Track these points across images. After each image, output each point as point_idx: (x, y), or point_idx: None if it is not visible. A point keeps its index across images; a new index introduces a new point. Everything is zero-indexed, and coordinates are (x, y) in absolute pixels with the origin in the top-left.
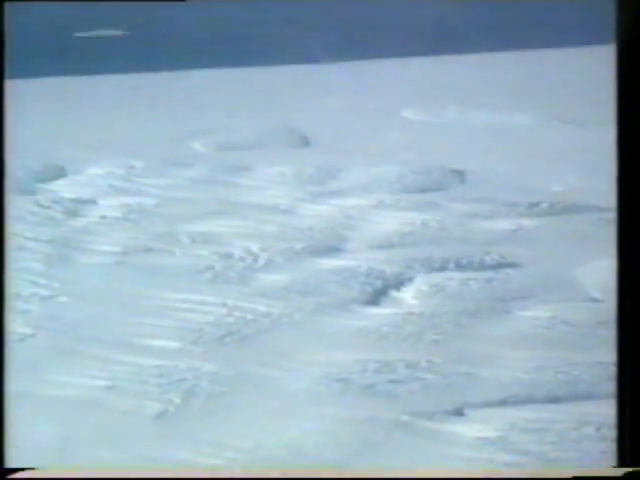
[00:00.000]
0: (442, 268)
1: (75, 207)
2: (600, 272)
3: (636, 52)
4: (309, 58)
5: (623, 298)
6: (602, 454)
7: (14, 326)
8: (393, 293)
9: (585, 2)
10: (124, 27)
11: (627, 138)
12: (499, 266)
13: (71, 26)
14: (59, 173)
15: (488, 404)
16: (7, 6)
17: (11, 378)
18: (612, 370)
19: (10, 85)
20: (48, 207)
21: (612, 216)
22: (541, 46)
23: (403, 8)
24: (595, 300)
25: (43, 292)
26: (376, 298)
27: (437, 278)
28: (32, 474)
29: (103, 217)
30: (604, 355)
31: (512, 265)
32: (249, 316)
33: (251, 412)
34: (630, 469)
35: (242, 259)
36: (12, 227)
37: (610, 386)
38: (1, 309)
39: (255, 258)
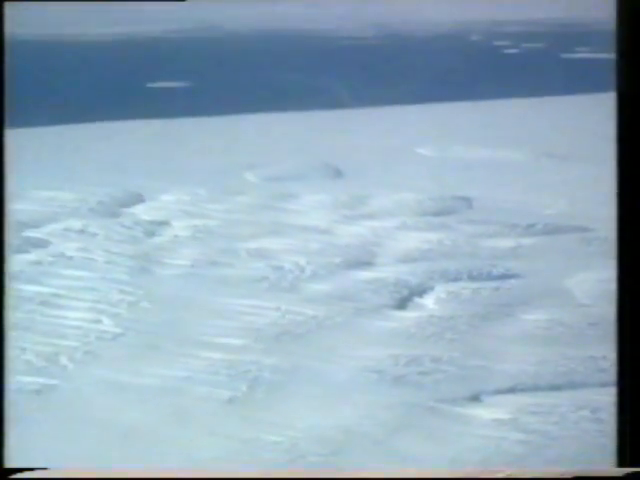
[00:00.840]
0: (456, 279)
1: (152, 228)
2: (587, 282)
3: (636, 98)
4: (338, 104)
5: (623, 304)
6: (598, 433)
7: (105, 326)
8: (417, 299)
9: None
10: (187, 79)
11: (627, 161)
12: (504, 277)
13: (144, 78)
14: (138, 199)
15: (500, 392)
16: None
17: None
18: (602, 363)
19: (101, 126)
20: (130, 228)
21: (594, 235)
22: (531, 95)
23: (417, 60)
24: (584, 305)
25: (129, 298)
26: (403, 304)
27: (453, 287)
28: (32, 474)
29: (176, 236)
30: (595, 351)
31: (515, 276)
32: (299, 318)
33: (305, 398)
34: (630, 469)
35: (291, 271)
36: (103, 245)
37: (601, 376)
38: (1, 310)
39: (302, 270)
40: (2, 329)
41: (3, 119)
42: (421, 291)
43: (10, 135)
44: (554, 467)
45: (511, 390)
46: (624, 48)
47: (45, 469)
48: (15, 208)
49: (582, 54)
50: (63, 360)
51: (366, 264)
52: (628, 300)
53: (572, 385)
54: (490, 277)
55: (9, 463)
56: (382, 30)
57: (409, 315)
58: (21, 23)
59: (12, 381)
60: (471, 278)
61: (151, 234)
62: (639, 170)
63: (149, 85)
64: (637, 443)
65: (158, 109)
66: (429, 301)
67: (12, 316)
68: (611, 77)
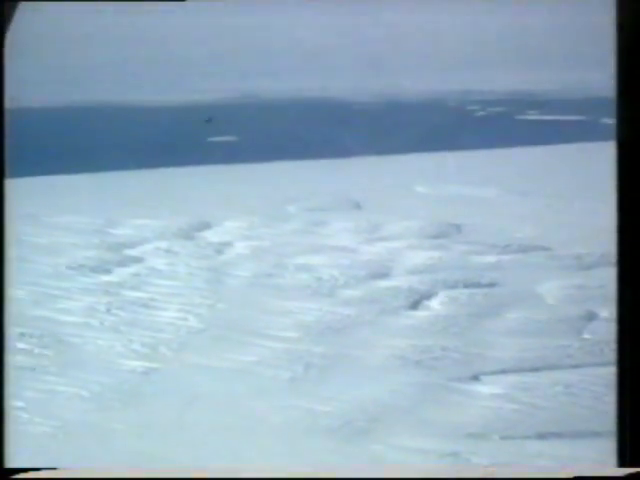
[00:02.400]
0: (454, 286)
1: (220, 248)
2: (553, 289)
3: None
4: (352, 153)
5: (623, 306)
6: (571, 404)
7: (191, 323)
8: (426, 302)
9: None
10: (235, 135)
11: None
12: (490, 285)
13: (204, 134)
14: (207, 226)
15: (495, 373)
16: None
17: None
18: (569, 350)
19: (174, 171)
20: (204, 247)
21: (555, 253)
22: (497, 146)
23: (410, 120)
24: (552, 306)
25: (208, 302)
26: (415, 305)
27: (452, 293)
28: (32, 474)
29: (238, 254)
30: (563, 341)
31: (498, 284)
32: (337, 317)
33: (347, 378)
34: (630, 469)
35: (328, 281)
36: (184, 261)
37: (569, 360)
38: (1, 313)
39: (336, 280)
40: (2, 329)
41: (3, 137)
42: (429, 296)
43: (107, 176)
44: (553, 465)
45: (503, 372)
46: (624, 98)
47: (45, 469)
48: (116, 232)
49: (532, 116)
50: (162, 349)
51: (385, 275)
52: (628, 304)
53: (548, 367)
54: (480, 285)
55: (9, 463)
56: (383, 97)
57: (421, 314)
58: (108, 91)
59: (125, 365)
60: (466, 286)
61: (220, 252)
62: (638, 207)
63: (209, 139)
64: (637, 443)
65: (217, 157)
66: (435, 303)
67: (120, 315)
68: (553, 132)
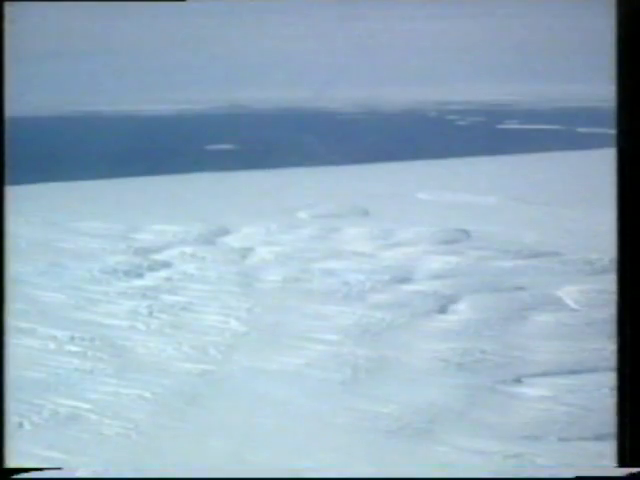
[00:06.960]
0: (478, 291)
1: (243, 252)
2: (572, 292)
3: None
4: (337, 160)
5: (623, 309)
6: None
7: (234, 326)
8: (453, 306)
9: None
10: (234, 143)
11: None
12: (512, 289)
13: (203, 141)
14: (226, 232)
15: (536, 375)
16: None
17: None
18: (604, 353)
19: (182, 178)
20: (228, 252)
21: (566, 258)
22: (478, 154)
23: (394, 130)
24: (575, 310)
25: (245, 305)
26: (444, 309)
27: (477, 297)
28: (32, 474)
29: (263, 259)
30: (595, 344)
31: (520, 289)
32: (372, 320)
33: (395, 380)
34: (630, 469)
35: (356, 285)
36: (212, 266)
37: (606, 363)
38: (1, 312)
39: (363, 284)
40: (2, 330)
41: (3, 140)
42: (455, 300)
43: (113, 183)
44: (553, 465)
45: (544, 374)
46: (624, 107)
47: (45, 469)
48: (139, 238)
49: (509, 125)
50: (212, 351)
51: (408, 280)
52: (628, 309)
53: (588, 370)
54: (502, 289)
55: (9, 463)
56: (366, 108)
57: (451, 318)
58: (114, 102)
59: (180, 367)
60: (489, 290)
61: (244, 257)
62: (638, 210)
63: (207, 147)
64: (637, 443)
65: (217, 164)
66: (463, 307)
67: (163, 319)
68: (528, 138)
